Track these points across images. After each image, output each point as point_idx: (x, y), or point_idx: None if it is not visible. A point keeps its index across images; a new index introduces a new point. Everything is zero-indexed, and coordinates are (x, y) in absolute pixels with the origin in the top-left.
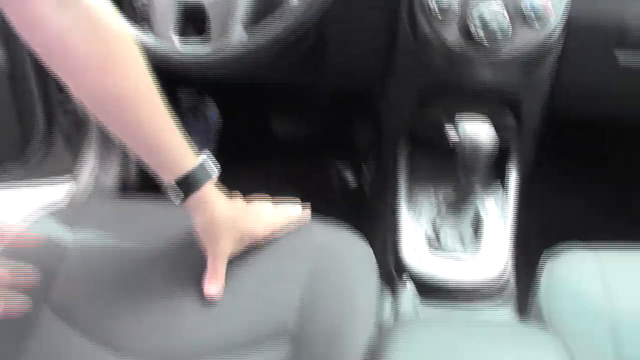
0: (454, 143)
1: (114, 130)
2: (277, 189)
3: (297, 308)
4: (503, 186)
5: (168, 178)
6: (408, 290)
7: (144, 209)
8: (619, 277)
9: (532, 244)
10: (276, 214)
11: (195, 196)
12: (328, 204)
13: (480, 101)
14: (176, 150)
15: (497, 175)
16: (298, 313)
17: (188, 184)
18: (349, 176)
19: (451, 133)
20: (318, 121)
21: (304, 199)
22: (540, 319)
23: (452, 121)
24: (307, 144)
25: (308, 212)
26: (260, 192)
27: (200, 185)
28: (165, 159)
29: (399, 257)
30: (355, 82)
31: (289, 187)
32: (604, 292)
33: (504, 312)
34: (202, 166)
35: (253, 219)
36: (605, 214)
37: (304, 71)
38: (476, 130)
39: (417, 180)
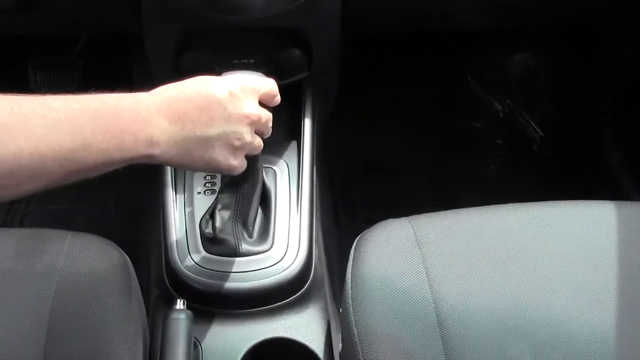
0: None
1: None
2: None
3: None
4: (298, 151)
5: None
6: (177, 308)
7: None
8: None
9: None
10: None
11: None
12: None
13: (256, 41)
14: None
15: (289, 136)
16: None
17: None
18: None
19: None
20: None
21: None
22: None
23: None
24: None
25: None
26: None
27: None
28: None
29: (171, 267)
30: (109, 26)
31: None
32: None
33: None
34: None
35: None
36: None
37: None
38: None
39: None
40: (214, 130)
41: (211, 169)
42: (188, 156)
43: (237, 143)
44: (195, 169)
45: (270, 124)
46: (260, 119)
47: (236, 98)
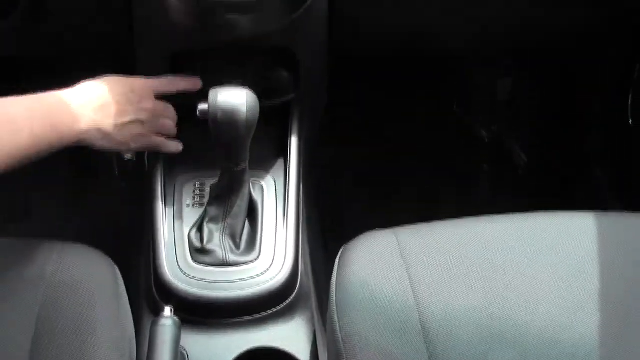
0: (202, 113)
1: None
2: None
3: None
4: (285, 168)
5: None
6: (165, 315)
7: None
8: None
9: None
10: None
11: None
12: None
13: (244, 63)
14: None
15: (277, 153)
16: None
17: None
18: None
19: (202, 103)
20: None
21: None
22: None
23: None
24: None
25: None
26: None
27: None
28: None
29: (159, 276)
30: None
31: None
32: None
33: None
34: None
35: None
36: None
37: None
38: (229, 97)
39: (173, 169)
40: (125, 118)
41: (126, 141)
42: (113, 133)
43: (142, 116)
44: (118, 142)
45: (170, 112)
46: (154, 109)
47: (133, 95)
